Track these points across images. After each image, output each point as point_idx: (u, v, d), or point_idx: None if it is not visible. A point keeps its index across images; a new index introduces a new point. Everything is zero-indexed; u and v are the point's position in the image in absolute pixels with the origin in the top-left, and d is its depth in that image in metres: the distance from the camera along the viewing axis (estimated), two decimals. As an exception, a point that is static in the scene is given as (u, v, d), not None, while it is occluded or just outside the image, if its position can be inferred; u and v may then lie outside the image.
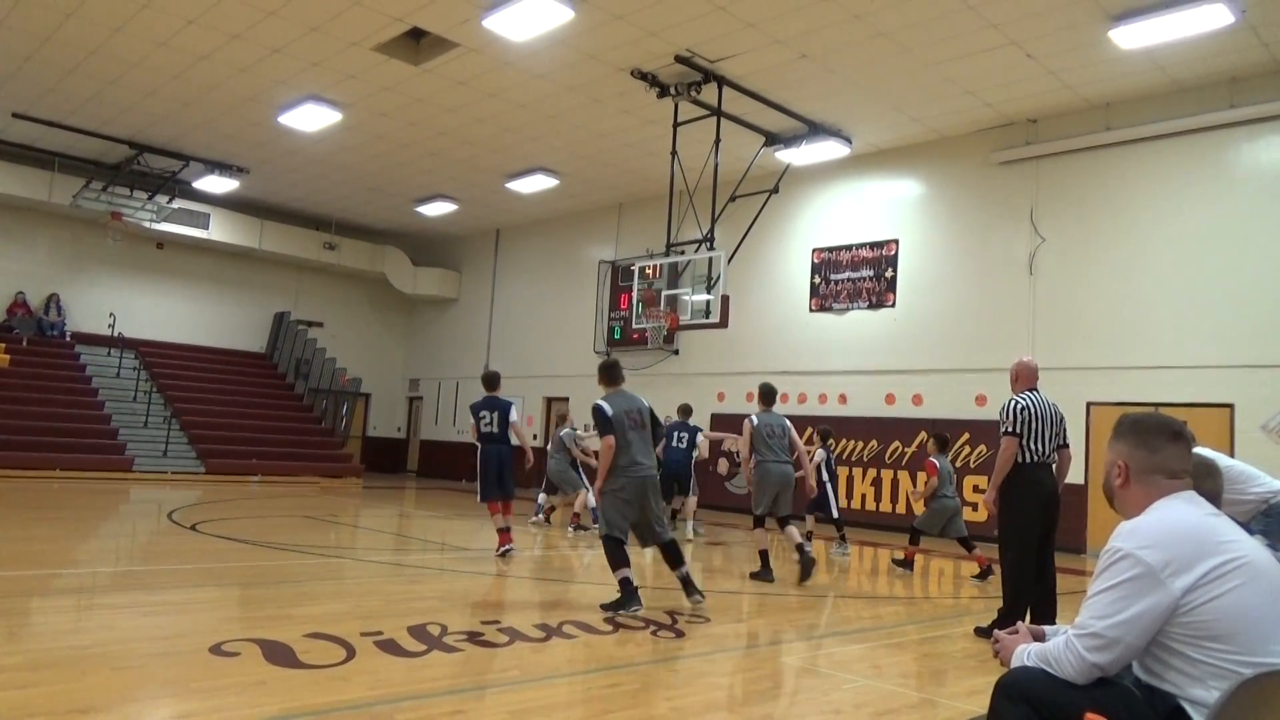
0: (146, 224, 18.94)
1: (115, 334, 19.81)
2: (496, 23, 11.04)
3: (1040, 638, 2.44)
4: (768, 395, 8.76)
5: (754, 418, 8.50)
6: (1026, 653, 2.32)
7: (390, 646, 4.63)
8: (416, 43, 12.33)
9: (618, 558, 6.02)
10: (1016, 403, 5.91)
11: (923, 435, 13.91)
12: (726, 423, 16.25)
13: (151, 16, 11.75)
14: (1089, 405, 12.35)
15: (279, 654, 4.35)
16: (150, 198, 18.52)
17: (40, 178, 18.22)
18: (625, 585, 5.91)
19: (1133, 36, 10.40)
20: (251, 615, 5.58)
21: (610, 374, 6.58)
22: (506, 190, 18.40)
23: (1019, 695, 2.23)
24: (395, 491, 14.48)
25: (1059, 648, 2.22)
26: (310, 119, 14.96)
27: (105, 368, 19.14)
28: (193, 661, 4.27)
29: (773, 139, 14.26)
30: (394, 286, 23.31)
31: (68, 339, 19.42)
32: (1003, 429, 5.87)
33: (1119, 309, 12.32)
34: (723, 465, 16.61)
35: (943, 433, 10.20)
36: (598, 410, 6.28)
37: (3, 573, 6.68)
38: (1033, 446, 5.82)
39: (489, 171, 17.50)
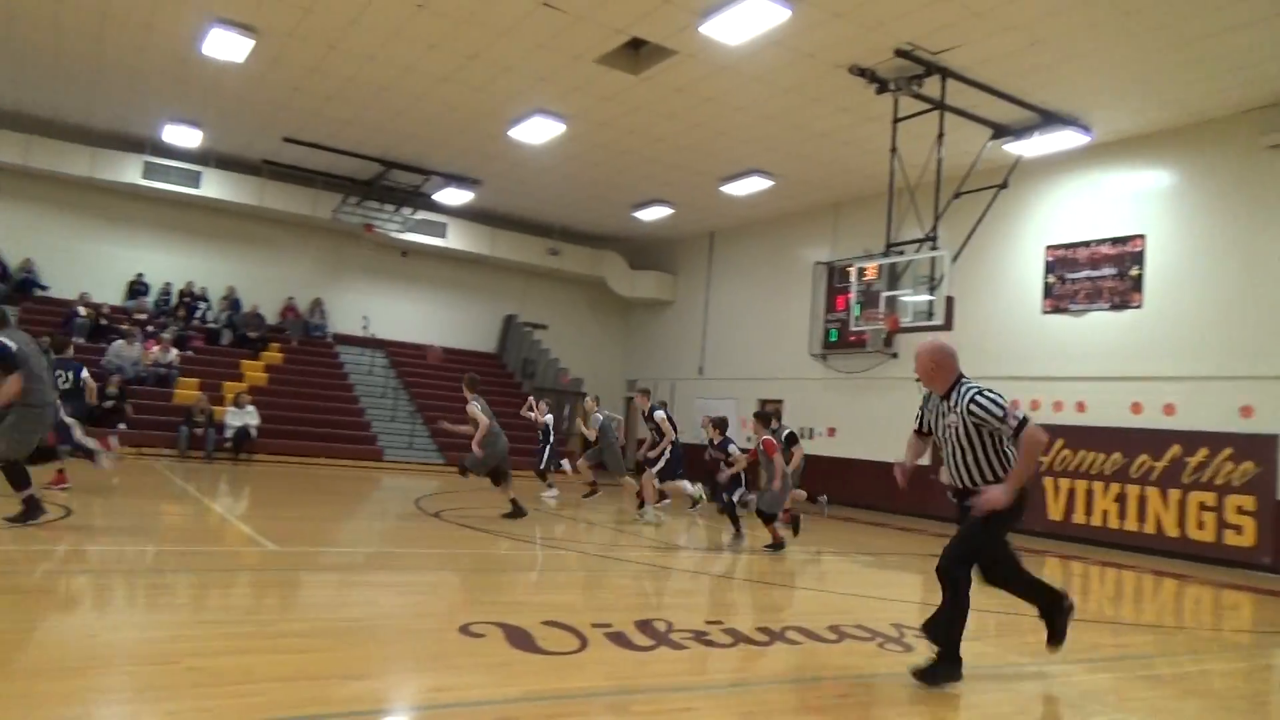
0: (394, 234, 20.75)
1: (368, 335, 21.88)
2: (713, 28, 11.18)
3: None
4: (473, 384, 10.84)
5: (477, 403, 10.52)
6: None
7: (620, 639, 4.82)
8: (636, 52, 12.69)
9: (24, 479, 7.09)
10: (981, 393, 4.62)
11: (1175, 450, 12.69)
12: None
13: (399, 45, 12.83)
14: (1384, 419, 10.81)
15: (520, 639, 4.64)
16: (397, 210, 20.27)
17: (306, 195, 20.36)
18: (31, 501, 7.10)
19: None
20: (493, 600, 5.99)
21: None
22: (721, 193, 18.55)
23: None
24: (613, 489, 15.05)
25: None
26: (537, 131, 15.77)
27: (359, 366, 21.12)
28: (444, 639, 4.64)
29: (1001, 131, 13.50)
30: (612, 290, 24.10)
31: (329, 340, 21.56)
32: (1011, 420, 4.47)
33: None
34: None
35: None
36: (2, 347, 6.89)
37: (279, 548, 7.54)
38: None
39: (704, 175, 17.72)
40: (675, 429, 12.63)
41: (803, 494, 12.15)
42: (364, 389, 20.45)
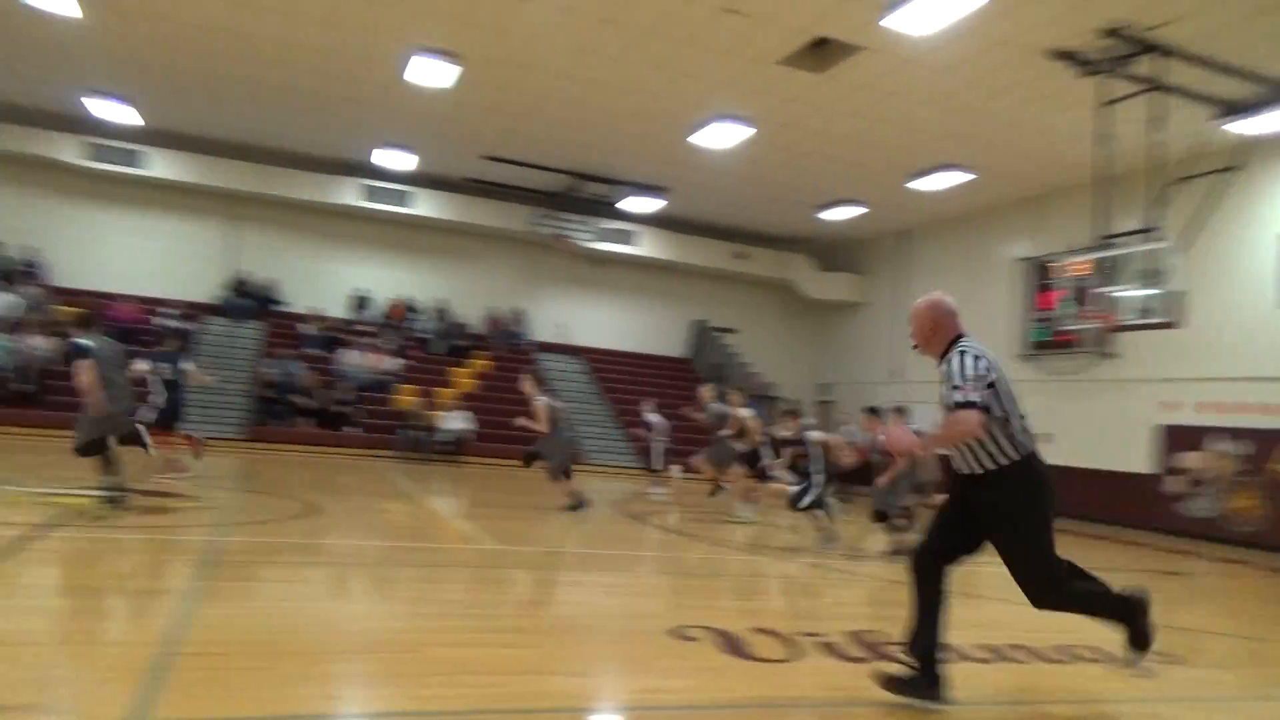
0: (585, 243, 21.49)
1: (566, 342, 22.80)
2: (897, 21, 10.88)
3: None
4: (536, 379, 11.18)
5: (544, 399, 10.69)
6: None
7: (832, 649, 4.78)
8: (819, 51, 12.49)
9: (100, 448, 7.89)
10: (965, 352, 3.85)
11: None
12: (1184, 437, 14.46)
13: (587, 59, 13.28)
14: None
15: (730, 644, 4.69)
16: (588, 220, 20.98)
17: (503, 209, 21.43)
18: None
19: None
20: (700, 604, 6.09)
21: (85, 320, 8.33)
22: (912, 190, 17.97)
23: None
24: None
25: None
26: (719, 137, 15.88)
27: (558, 372, 22.03)
28: (655, 641, 4.77)
29: (1229, 109, 12.28)
30: (801, 292, 23.85)
31: (530, 347, 22.59)
32: (961, 394, 3.73)
33: None
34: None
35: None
36: (79, 345, 7.82)
37: (496, 546, 7.99)
38: (1024, 425, 3.87)
39: (893, 172, 17.24)
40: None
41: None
42: (563, 394, 21.29)
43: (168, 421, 10.97)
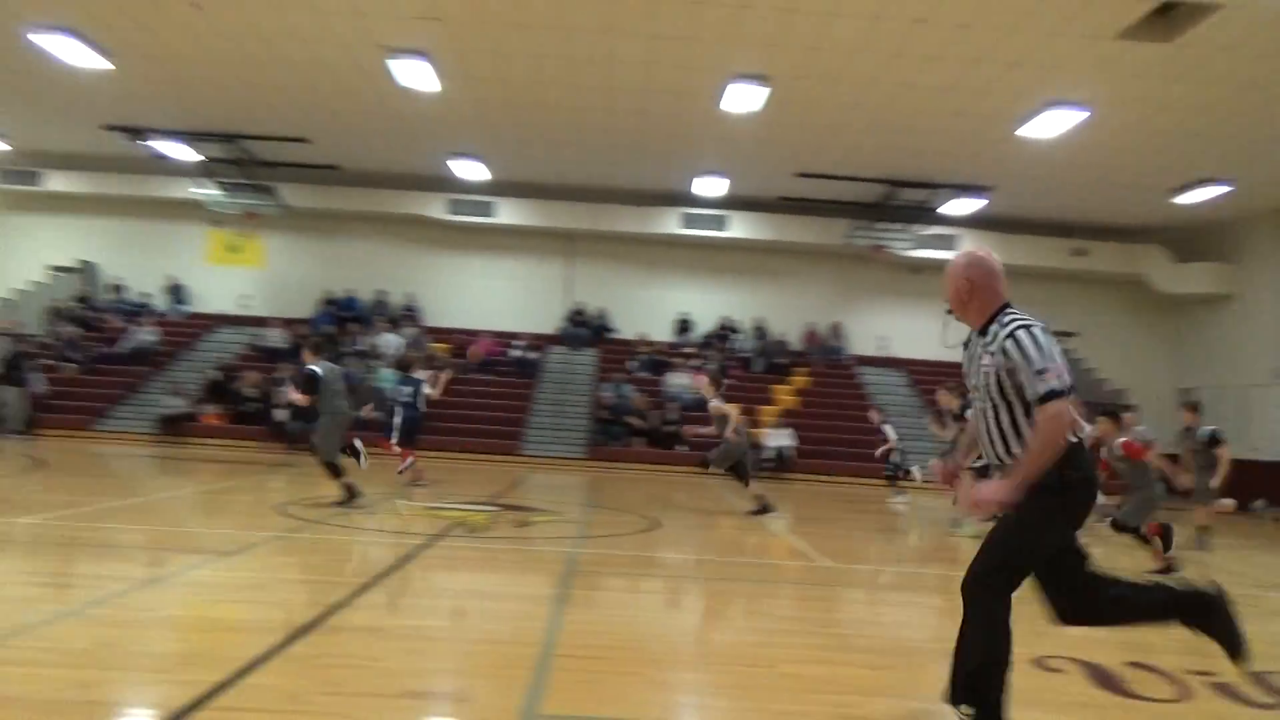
0: (903, 252, 20.81)
1: (886, 354, 22.33)
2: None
3: None
4: (717, 379, 11.53)
5: (717, 402, 10.95)
6: None
7: (1228, 691, 4.23)
8: (1165, 18, 11.22)
9: (338, 470, 9.13)
10: (1031, 327, 3.24)
11: None
12: None
13: (899, 64, 12.94)
14: None
15: (1104, 679, 4.32)
16: (905, 228, 20.32)
17: (817, 224, 21.39)
18: (349, 487, 9.02)
19: None
20: (1059, 632, 5.61)
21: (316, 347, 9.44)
22: (1292, 159, 15.49)
23: None
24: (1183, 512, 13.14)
25: None
26: (1050, 125, 14.76)
27: (879, 386, 21.51)
28: (1016, 671, 4.45)
29: None
30: (1154, 288, 21.35)
31: (849, 361, 22.33)
32: (1046, 380, 3.14)
33: None
34: None
35: None
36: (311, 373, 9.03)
37: (832, 563, 7.96)
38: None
39: (1266, 143, 14.98)
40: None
41: (1230, 503, 10.24)
42: (887, 408, 20.73)
43: (409, 437, 12.03)
